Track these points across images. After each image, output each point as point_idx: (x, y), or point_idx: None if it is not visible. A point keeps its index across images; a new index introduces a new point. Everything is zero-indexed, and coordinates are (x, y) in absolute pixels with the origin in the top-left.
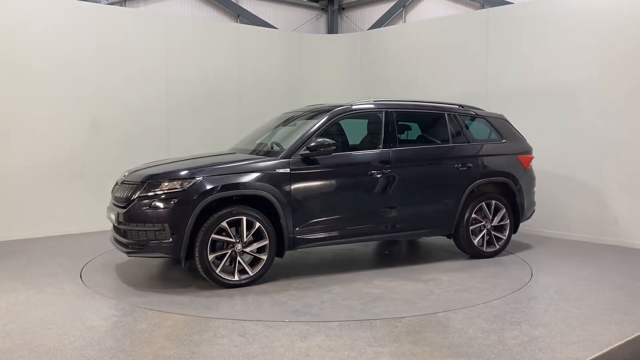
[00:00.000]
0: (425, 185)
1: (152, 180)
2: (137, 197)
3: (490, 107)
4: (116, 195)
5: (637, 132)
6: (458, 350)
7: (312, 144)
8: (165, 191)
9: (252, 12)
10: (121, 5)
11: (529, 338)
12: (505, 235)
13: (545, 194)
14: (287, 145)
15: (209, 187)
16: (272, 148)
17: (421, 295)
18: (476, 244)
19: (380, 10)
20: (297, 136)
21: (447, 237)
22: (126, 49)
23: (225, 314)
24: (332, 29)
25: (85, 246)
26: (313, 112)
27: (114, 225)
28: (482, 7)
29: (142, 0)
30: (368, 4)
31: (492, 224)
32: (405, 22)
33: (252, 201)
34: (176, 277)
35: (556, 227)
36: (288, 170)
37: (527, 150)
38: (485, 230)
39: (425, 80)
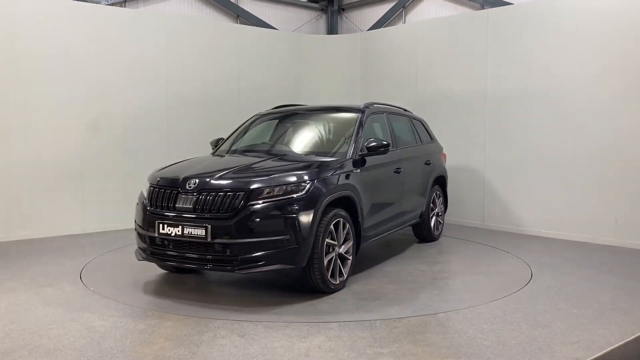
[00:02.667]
0: (415, 180)
1: (262, 186)
2: (247, 206)
3: (490, 107)
4: (186, 206)
5: (637, 132)
6: (458, 351)
7: (372, 144)
8: (284, 197)
9: (252, 12)
10: (121, 6)
11: (528, 338)
12: (443, 220)
13: (545, 194)
14: (340, 145)
15: (324, 190)
16: (326, 149)
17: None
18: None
19: (380, 10)
20: (345, 136)
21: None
22: (126, 49)
23: (225, 315)
24: (332, 29)
25: (85, 247)
26: (323, 109)
27: (185, 242)
28: (482, 7)
29: (142, 0)
30: (368, 4)
31: (437, 210)
32: (405, 22)
33: (340, 202)
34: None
35: (556, 227)
36: (359, 170)
37: (442, 148)
38: (435, 217)
39: (425, 81)
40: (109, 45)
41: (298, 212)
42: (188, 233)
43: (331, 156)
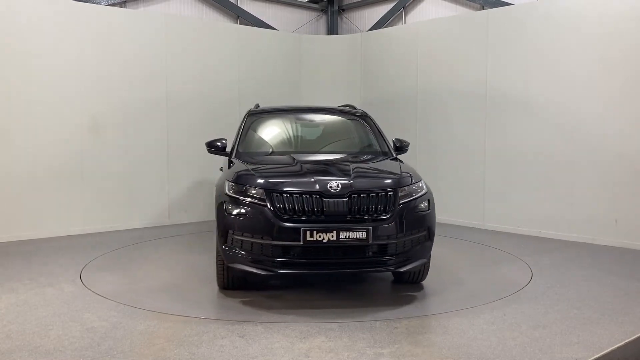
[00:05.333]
0: None
1: (404, 186)
2: (400, 205)
3: (490, 108)
4: (333, 209)
5: (637, 132)
6: (458, 351)
7: (401, 143)
8: (420, 195)
9: (252, 13)
10: (121, 7)
11: (529, 339)
12: None
13: (545, 194)
14: (368, 144)
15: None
16: (361, 148)
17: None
18: None
19: (380, 11)
20: (375, 136)
21: None
22: (126, 50)
23: (225, 315)
24: (332, 30)
25: (85, 247)
26: (324, 110)
27: (340, 247)
28: (482, 8)
29: (142, 1)
30: (368, 5)
31: None
32: (405, 23)
33: None
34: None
35: (556, 228)
36: None
37: None
38: None
39: (424, 81)
40: (109, 46)
41: (427, 208)
42: (345, 237)
43: (374, 154)
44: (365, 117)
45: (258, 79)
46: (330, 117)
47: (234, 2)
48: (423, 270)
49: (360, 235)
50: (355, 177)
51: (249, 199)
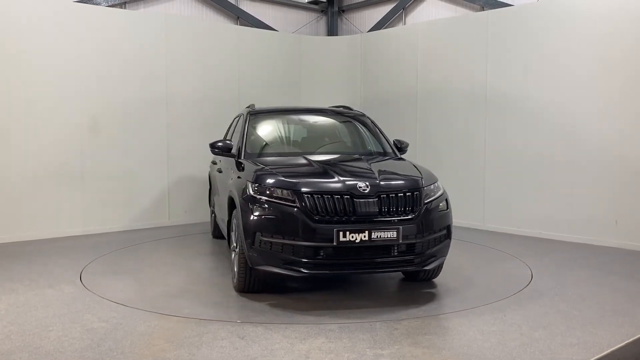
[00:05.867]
0: None
1: (429, 186)
2: (425, 204)
3: (490, 108)
4: (370, 210)
5: (637, 133)
6: (458, 352)
7: (400, 144)
8: (439, 195)
9: (252, 14)
10: (121, 7)
11: (529, 340)
12: None
13: (545, 195)
14: (370, 144)
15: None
16: (367, 148)
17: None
18: None
19: (380, 12)
20: (376, 136)
21: None
22: (126, 51)
23: (225, 316)
24: (332, 31)
25: (85, 248)
26: (315, 111)
27: (371, 247)
28: (482, 9)
29: (142, 2)
30: (368, 6)
31: None
32: (405, 24)
33: None
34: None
35: (556, 228)
36: None
37: None
38: None
39: (424, 82)
40: (110, 47)
41: (446, 208)
42: (377, 237)
43: (381, 155)
44: (364, 118)
45: (258, 80)
46: (331, 118)
47: (234, 3)
48: (438, 268)
49: (391, 235)
50: (381, 177)
51: (277, 201)
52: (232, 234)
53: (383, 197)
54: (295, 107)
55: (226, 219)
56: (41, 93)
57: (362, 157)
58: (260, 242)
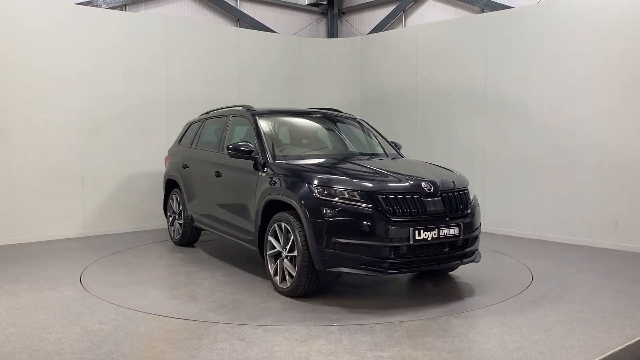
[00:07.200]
0: None
1: (468, 187)
2: (472, 202)
3: (490, 111)
4: (432, 208)
5: (637, 133)
6: (458, 355)
7: (396, 145)
8: (474, 194)
9: (252, 16)
10: (122, 9)
11: (529, 342)
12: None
13: (545, 197)
14: (379, 146)
15: None
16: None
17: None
18: None
19: (380, 14)
20: (376, 138)
21: None
22: (126, 53)
23: (225, 318)
24: (332, 33)
25: (85, 250)
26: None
27: (439, 243)
28: (482, 11)
29: (143, 4)
30: (368, 8)
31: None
32: (405, 26)
33: None
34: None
35: (556, 230)
36: None
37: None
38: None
39: (424, 84)
40: (110, 49)
41: (477, 204)
42: (444, 234)
43: (391, 155)
44: (361, 120)
45: (258, 82)
46: (336, 120)
47: (234, 5)
48: None
49: (454, 231)
50: (434, 177)
51: (350, 203)
52: (272, 239)
53: (444, 195)
54: (297, 109)
55: (255, 225)
56: (41, 95)
57: (382, 157)
58: (334, 244)
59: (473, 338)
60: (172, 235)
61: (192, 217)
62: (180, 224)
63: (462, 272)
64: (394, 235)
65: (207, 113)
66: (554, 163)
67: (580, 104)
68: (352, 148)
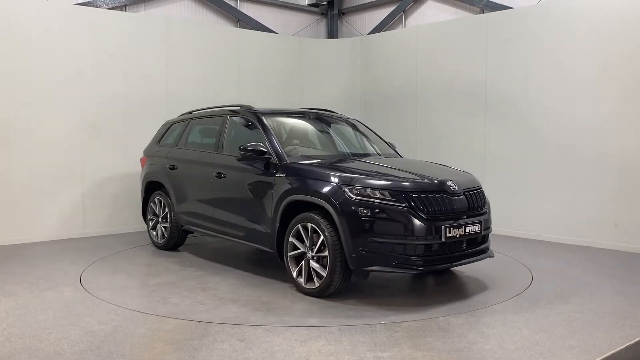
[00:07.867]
0: None
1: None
2: (487, 202)
3: (490, 111)
4: (458, 206)
5: (637, 133)
6: (458, 355)
7: (391, 145)
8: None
9: (252, 16)
10: (122, 10)
11: (529, 343)
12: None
13: (545, 197)
14: (379, 146)
15: None
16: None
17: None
18: None
19: (380, 14)
20: (374, 138)
21: None
22: (126, 53)
23: (225, 319)
24: (332, 33)
25: (85, 250)
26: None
27: (463, 240)
28: (482, 11)
29: (142, 4)
30: (368, 8)
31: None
32: (405, 26)
33: None
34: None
35: (556, 231)
36: None
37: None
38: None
39: (424, 85)
40: (110, 49)
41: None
42: (469, 231)
43: (393, 155)
44: (357, 121)
45: (258, 83)
46: (336, 120)
47: (234, 5)
48: None
49: (477, 228)
50: (453, 176)
51: (384, 202)
52: (293, 240)
53: (467, 194)
54: (300, 109)
55: (272, 226)
56: (41, 95)
57: (388, 156)
58: (370, 244)
59: (473, 338)
60: (155, 239)
61: (181, 219)
62: (165, 227)
63: (463, 272)
64: (428, 233)
65: (189, 113)
66: (554, 163)
67: (580, 104)
68: (359, 148)
